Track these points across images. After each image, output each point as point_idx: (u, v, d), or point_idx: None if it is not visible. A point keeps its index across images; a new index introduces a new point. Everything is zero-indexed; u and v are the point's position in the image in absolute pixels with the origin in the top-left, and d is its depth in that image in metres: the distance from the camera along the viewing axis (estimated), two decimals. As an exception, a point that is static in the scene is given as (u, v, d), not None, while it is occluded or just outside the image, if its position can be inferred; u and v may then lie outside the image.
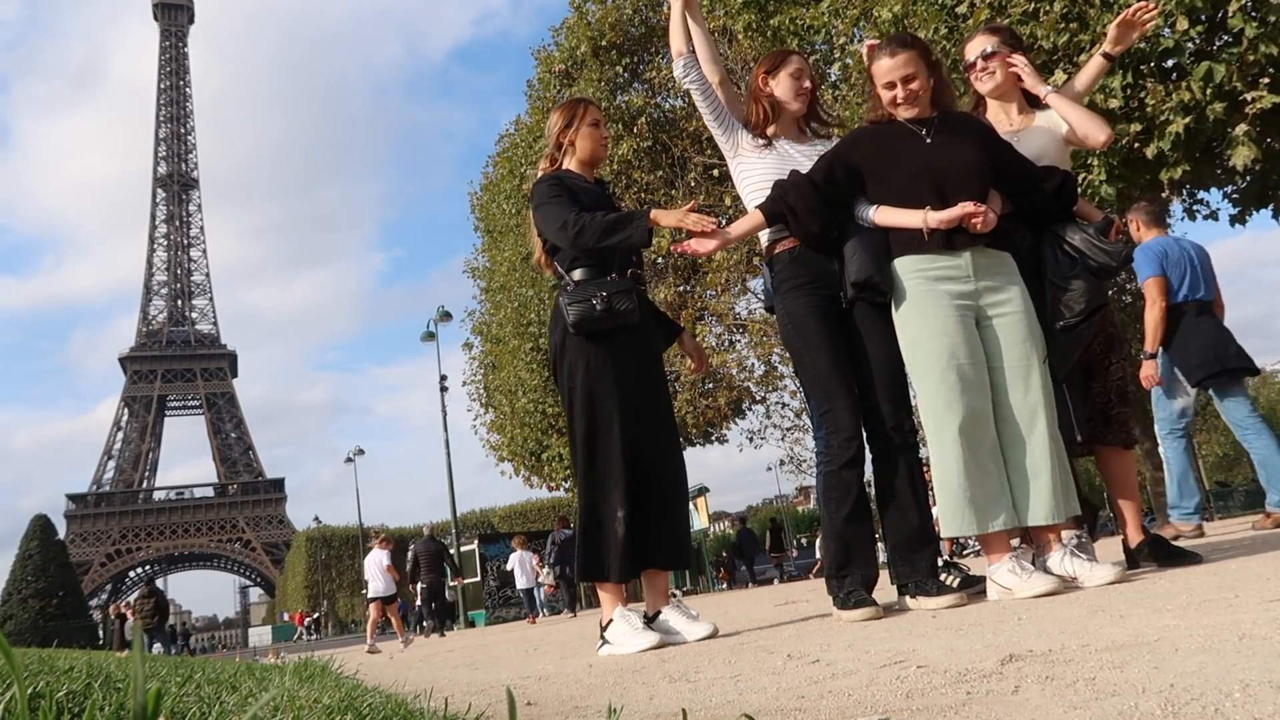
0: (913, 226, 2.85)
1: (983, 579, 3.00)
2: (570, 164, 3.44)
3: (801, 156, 3.22)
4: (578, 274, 3.26)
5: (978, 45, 3.29)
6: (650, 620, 3.18)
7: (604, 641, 3.15)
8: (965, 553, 16.42)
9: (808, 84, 3.31)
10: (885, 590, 3.18)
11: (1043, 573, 2.74)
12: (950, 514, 2.78)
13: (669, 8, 3.48)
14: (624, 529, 3.11)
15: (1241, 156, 7.22)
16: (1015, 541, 3.05)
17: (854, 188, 2.98)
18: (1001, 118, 3.28)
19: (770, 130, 3.30)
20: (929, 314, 2.82)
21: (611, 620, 3.12)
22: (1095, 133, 3.13)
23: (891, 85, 2.95)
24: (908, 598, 2.95)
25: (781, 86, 3.29)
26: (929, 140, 2.92)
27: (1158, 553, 3.21)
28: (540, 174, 3.45)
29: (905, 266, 2.88)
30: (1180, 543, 4.36)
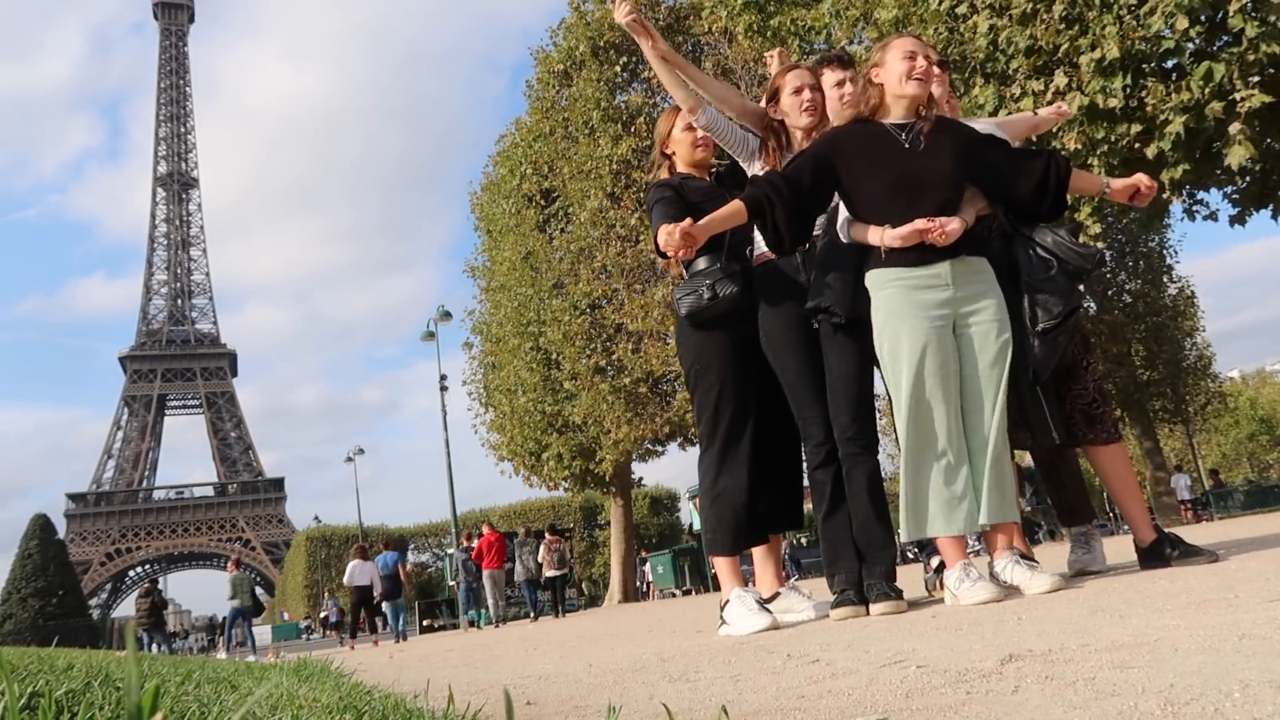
0: (874, 244, 2.88)
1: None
2: (681, 168, 3.52)
3: None
4: (700, 263, 3.32)
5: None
6: (764, 603, 3.22)
7: (722, 622, 3.20)
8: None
9: (809, 95, 3.21)
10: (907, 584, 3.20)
11: (987, 581, 2.81)
12: (901, 520, 2.88)
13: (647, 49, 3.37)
14: (745, 503, 3.24)
15: (1237, 156, 7.22)
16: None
17: (827, 196, 2.99)
18: None
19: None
20: (904, 324, 2.85)
21: (729, 601, 3.18)
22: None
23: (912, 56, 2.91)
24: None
25: (785, 108, 3.26)
26: (907, 145, 2.91)
27: (1170, 551, 3.16)
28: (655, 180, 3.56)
29: (884, 276, 2.89)
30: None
